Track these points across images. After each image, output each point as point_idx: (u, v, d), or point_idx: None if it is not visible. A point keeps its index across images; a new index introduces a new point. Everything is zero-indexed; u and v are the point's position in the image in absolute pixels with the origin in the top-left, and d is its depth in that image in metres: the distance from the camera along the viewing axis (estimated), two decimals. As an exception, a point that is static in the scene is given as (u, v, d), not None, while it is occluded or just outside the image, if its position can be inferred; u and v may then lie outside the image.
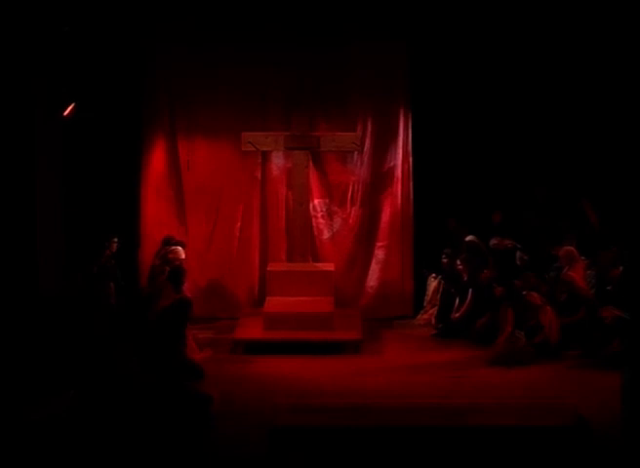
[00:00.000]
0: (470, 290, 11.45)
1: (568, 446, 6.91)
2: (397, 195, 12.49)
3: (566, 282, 10.96)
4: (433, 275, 12.35)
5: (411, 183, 12.50)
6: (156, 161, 12.56)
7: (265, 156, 12.57)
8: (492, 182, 12.47)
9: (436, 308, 11.98)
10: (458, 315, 11.49)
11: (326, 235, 12.64)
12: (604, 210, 11.86)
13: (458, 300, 11.60)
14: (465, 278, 11.56)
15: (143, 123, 12.45)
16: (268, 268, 12.06)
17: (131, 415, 7.37)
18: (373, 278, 12.59)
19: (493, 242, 12.24)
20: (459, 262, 11.65)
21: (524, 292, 10.72)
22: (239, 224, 12.60)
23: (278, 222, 12.64)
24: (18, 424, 7.33)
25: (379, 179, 12.56)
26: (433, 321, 11.90)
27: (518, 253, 11.86)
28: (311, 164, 12.28)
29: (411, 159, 12.47)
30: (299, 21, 11.95)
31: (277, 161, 12.60)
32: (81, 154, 11.96)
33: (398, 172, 12.48)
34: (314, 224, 12.55)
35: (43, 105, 10.74)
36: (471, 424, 7.14)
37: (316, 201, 12.55)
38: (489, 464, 6.85)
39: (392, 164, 12.52)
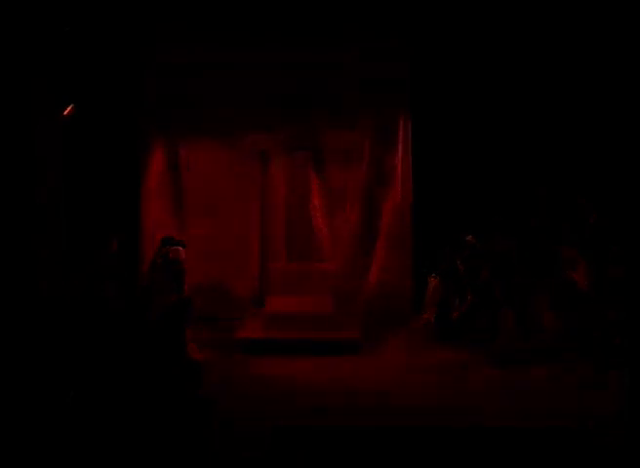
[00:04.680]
0: (470, 290, 11.46)
1: (568, 446, 6.92)
2: (397, 195, 12.50)
3: (566, 282, 10.96)
4: (433, 275, 12.36)
5: (411, 184, 12.52)
6: (156, 161, 12.57)
7: (266, 156, 12.58)
8: (492, 182, 12.48)
9: (436, 308, 11.99)
10: (457, 315, 11.51)
11: (326, 235, 12.65)
12: (604, 209, 11.87)
13: (457, 300, 11.62)
14: (465, 278, 11.57)
15: (143, 123, 12.46)
16: (268, 268, 12.07)
17: (131, 416, 7.37)
18: (373, 278, 12.60)
19: (492, 241, 12.25)
20: (459, 262, 11.67)
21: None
22: (239, 224, 12.61)
23: (278, 222, 12.65)
24: (18, 424, 7.33)
25: (379, 180, 12.57)
26: (433, 321, 11.91)
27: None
28: (311, 164, 12.30)
29: (411, 159, 12.49)
30: (299, 23, 11.97)
31: (277, 161, 12.61)
32: (81, 154, 11.97)
33: (398, 172, 12.49)
34: (314, 224, 12.57)
35: (43, 105, 10.74)
36: (471, 425, 7.15)
37: (316, 201, 12.57)
38: (489, 465, 6.86)
39: (392, 164, 12.54)
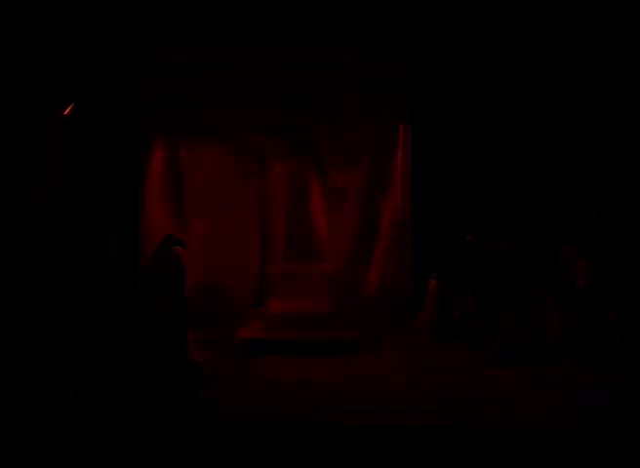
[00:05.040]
0: (470, 290, 11.47)
1: (568, 446, 6.92)
2: (397, 195, 12.51)
3: (566, 282, 10.97)
4: (433, 275, 12.37)
5: (410, 184, 12.52)
6: (156, 161, 12.58)
7: (265, 156, 12.58)
8: (492, 182, 12.49)
9: (436, 308, 12.00)
10: (457, 315, 11.51)
11: (326, 235, 12.65)
12: (604, 209, 11.88)
13: (458, 300, 11.62)
14: (465, 278, 11.58)
15: (143, 123, 12.46)
16: (268, 268, 12.08)
17: (131, 416, 7.37)
18: (373, 278, 12.61)
19: (492, 241, 12.26)
20: (459, 262, 11.67)
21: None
22: (239, 224, 12.62)
23: (278, 223, 12.66)
24: (18, 424, 7.33)
25: (378, 180, 12.57)
26: (433, 321, 11.91)
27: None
28: (311, 164, 12.30)
29: (410, 159, 12.49)
30: (299, 23, 11.97)
31: (277, 161, 12.61)
32: (81, 154, 11.97)
33: (398, 172, 12.50)
34: (314, 225, 12.57)
35: (43, 105, 10.75)
36: (471, 424, 7.14)
37: (316, 201, 12.57)
38: (489, 465, 6.86)
39: (392, 164, 12.54)
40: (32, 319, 9.69)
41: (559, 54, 12.06)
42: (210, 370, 9.75)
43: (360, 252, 12.64)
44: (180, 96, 12.42)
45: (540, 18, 11.79)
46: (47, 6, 10.49)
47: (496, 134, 12.40)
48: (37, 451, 6.93)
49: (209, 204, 12.57)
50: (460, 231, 12.42)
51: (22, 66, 10.20)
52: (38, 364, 8.78)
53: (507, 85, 12.21)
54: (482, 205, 12.47)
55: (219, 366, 10.17)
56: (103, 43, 11.76)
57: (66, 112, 11.30)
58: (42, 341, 9.30)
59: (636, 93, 11.69)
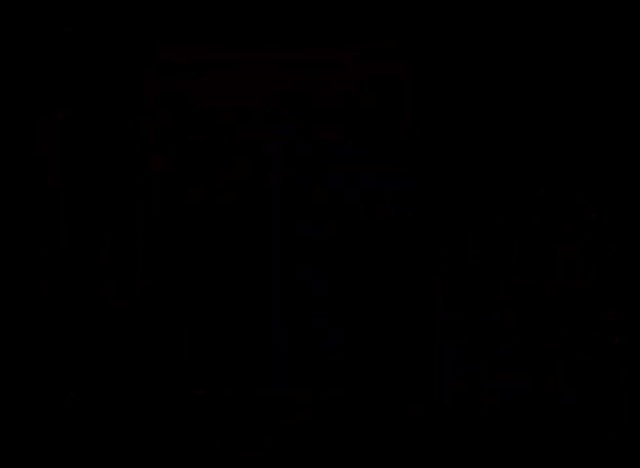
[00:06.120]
0: (470, 289, 11.48)
1: (568, 446, 6.93)
2: (397, 195, 12.52)
3: (566, 282, 10.98)
4: (431, 274, 12.37)
5: (410, 184, 12.53)
6: (156, 161, 12.58)
7: (266, 157, 12.59)
8: (492, 182, 12.50)
9: (436, 308, 12.01)
10: (457, 315, 11.52)
11: (326, 235, 12.66)
12: (605, 209, 11.89)
13: (457, 300, 11.63)
14: (466, 277, 11.58)
15: (143, 123, 12.47)
16: (267, 268, 12.09)
17: (131, 416, 7.38)
18: (372, 278, 12.62)
19: (492, 241, 12.26)
20: (459, 261, 11.68)
21: None
22: (239, 224, 12.63)
23: (278, 222, 12.66)
24: (18, 424, 7.34)
25: (379, 180, 12.59)
26: (433, 321, 11.93)
27: None
28: (312, 165, 12.31)
29: (410, 160, 12.50)
30: (299, 23, 11.98)
31: (277, 162, 12.62)
32: (81, 154, 11.98)
33: (398, 172, 12.50)
34: (313, 224, 12.58)
35: (43, 105, 10.77)
36: (470, 424, 7.14)
37: (317, 202, 12.58)
38: (488, 464, 6.87)
39: (392, 165, 12.55)
40: (32, 319, 9.69)
41: (560, 53, 12.07)
42: (209, 369, 9.75)
43: (360, 252, 12.65)
44: (180, 96, 12.44)
45: (542, 16, 11.80)
46: (47, 6, 10.50)
47: (496, 133, 12.41)
48: (37, 451, 6.94)
49: (209, 204, 12.58)
50: (459, 231, 12.44)
51: (22, 66, 10.21)
52: (38, 364, 8.78)
53: (508, 84, 12.22)
54: (482, 205, 12.47)
55: (217, 366, 10.16)
56: (103, 43, 11.77)
57: (66, 112, 11.32)
58: (42, 341, 9.31)
59: (636, 92, 11.70)
